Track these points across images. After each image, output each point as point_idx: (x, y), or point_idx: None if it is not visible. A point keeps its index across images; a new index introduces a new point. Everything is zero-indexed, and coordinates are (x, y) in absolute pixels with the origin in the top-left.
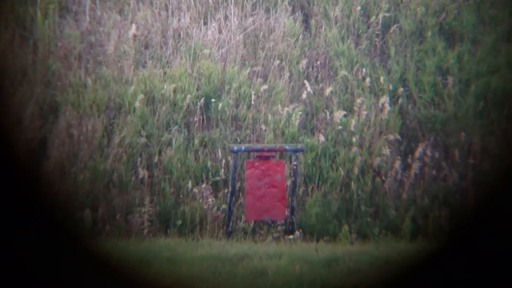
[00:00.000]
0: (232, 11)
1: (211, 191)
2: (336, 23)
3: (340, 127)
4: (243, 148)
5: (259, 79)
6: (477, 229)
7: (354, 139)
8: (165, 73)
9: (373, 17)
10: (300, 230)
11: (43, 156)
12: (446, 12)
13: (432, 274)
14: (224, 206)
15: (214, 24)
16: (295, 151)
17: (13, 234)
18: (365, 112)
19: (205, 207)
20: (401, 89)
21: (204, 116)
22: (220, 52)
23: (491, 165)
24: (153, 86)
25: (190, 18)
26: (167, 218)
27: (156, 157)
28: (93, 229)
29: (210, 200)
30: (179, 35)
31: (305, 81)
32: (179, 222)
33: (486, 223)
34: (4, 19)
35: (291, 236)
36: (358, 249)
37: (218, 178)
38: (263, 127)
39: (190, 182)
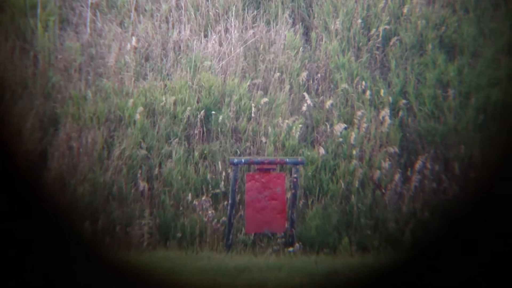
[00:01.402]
0: (232, 24)
1: (211, 203)
2: (336, 36)
3: (340, 139)
4: (243, 160)
5: (259, 92)
6: (476, 242)
7: (354, 152)
8: (165, 85)
9: (374, 30)
10: (300, 243)
11: (43, 168)
12: (447, 25)
13: (430, 286)
14: (224, 218)
15: (214, 37)
16: (296, 164)
17: (13, 245)
18: (365, 125)
19: (205, 219)
20: (402, 102)
21: (204, 129)
22: (221, 65)
23: (491, 178)
24: (154, 99)
25: (191, 30)
26: (166, 231)
27: (156, 169)
28: (93, 241)
29: (210, 212)
30: (180, 47)
31: (305, 94)
32: (179, 234)
33: (485, 236)
34: (4, 31)
35: (291, 249)
36: (358, 261)
37: (218, 190)
38: (263, 139)
39: (190, 194)
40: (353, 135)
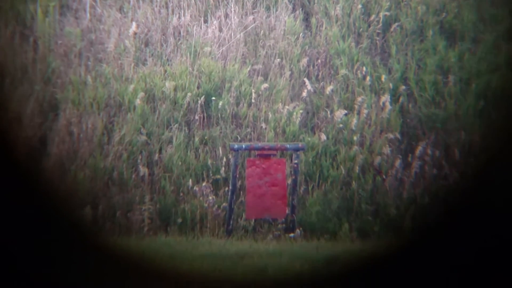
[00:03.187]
0: (232, 9)
1: (212, 189)
2: (336, 22)
3: (341, 125)
4: (243, 146)
5: (259, 77)
6: (476, 227)
7: (354, 138)
8: (165, 71)
9: (374, 16)
10: (301, 229)
11: (43, 154)
12: (447, 11)
13: (430, 272)
14: (224, 204)
15: (214, 22)
16: (296, 149)
17: (13, 232)
18: (365, 111)
19: (206, 205)
20: (402, 87)
21: (205, 114)
22: (221, 50)
23: (491, 164)
24: (154, 84)
25: (191, 16)
26: (167, 216)
27: (157, 155)
28: (93, 226)
29: (210, 198)
30: (180, 33)
31: (306, 80)
32: (180, 220)
33: (485, 221)
34: (4, 16)
35: (291, 234)
36: (358, 247)
37: (218, 176)
38: (264, 125)
39: (190, 180)
40: (353, 121)
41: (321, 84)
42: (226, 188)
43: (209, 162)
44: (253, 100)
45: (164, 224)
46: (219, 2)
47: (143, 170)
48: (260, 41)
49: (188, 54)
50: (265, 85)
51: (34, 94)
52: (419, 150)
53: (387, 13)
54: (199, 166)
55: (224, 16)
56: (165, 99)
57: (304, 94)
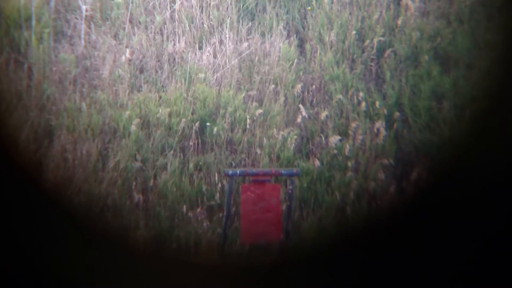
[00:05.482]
0: (227, 36)
1: (206, 215)
2: (331, 48)
3: (335, 151)
4: (238, 172)
5: (254, 103)
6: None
7: (349, 164)
8: (160, 97)
9: (368, 42)
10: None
11: (38, 180)
12: (441, 37)
13: None
14: (219, 230)
15: (209, 49)
16: (291, 175)
17: (10, 256)
18: (360, 137)
19: (200, 231)
20: (397, 113)
21: (199, 140)
22: (215, 76)
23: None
24: (148, 110)
25: (185, 42)
26: (162, 242)
27: (151, 181)
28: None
29: (205, 224)
30: (174, 59)
31: (300, 105)
32: (174, 246)
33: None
34: None
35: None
36: None
37: (213, 202)
38: (258, 151)
39: (185, 206)
40: (347, 147)
41: (316, 109)
42: (221, 214)
43: (204, 188)
44: (247, 126)
45: (158, 250)
46: (213, 29)
47: (137, 197)
48: (255, 67)
49: (183, 80)
50: (260, 110)
51: (29, 120)
52: (413, 176)
53: (381, 39)
54: (193, 192)
55: (218, 43)
56: (160, 125)
57: (299, 119)
